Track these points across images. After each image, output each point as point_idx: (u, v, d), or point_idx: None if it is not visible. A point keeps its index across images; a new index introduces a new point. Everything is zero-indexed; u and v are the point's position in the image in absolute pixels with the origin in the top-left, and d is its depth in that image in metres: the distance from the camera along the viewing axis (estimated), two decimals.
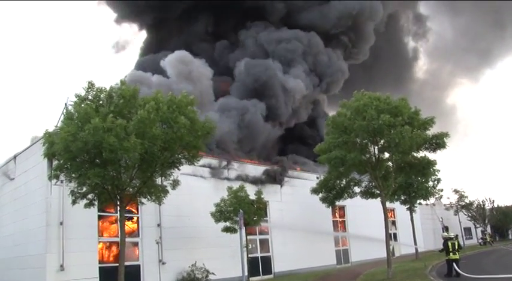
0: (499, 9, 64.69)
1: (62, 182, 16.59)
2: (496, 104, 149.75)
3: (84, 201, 16.10)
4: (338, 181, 24.66)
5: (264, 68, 41.26)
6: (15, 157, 22.83)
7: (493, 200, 63.81)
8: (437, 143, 21.69)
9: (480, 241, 57.54)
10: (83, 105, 15.09)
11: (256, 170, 28.31)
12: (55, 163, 15.91)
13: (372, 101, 20.21)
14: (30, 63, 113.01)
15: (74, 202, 15.95)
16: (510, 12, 66.13)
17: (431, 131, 21.51)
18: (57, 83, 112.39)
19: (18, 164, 22.36)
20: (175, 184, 16.96)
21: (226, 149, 32.61)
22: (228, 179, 25.81)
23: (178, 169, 17.23)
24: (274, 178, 28.92)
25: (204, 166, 24.42)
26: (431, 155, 23.03)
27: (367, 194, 25.72)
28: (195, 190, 23.48)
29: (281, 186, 29.24)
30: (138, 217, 21.66)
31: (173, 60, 38.68)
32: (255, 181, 27.05)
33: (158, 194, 16.78)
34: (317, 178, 29.58)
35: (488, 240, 55.37)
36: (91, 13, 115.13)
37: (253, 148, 38.66)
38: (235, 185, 22.91)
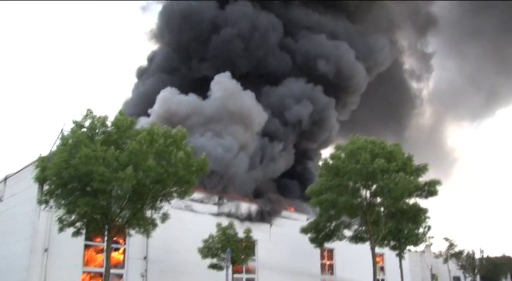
0: (504, 49, 65.86)
1: (51, 208, 16.41)
2: (496, 151, 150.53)
3: (72, 229, 15.95)
4: (328, 224, 24.55)
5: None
6: (5, 178, 22.62)
7: (483, 250, 63.31)
8: (430, 190, 21.82)
9: None
10: (78, 132, 15.21)
11: (247, 207, 28.13)
12: (46, 188, 15.81)
13: (366, 144, 20.43)
14: (37, 82, 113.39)
15: (61, 229, 15.79)
16: None
17: (424, 178, 21.66)
18: (64, 104, 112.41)
19: (8, 187, 22.14)
20: (165, 217, 16.88)
21: (224, 184, 32.35)
22: (218, 215, 25.61)
23: (169, 203, 17.16)
24: (264, 216, 28.70)
25: (195, 200, 24.25)
26: (423, 202, 23.13)
27: (357, 238, 25.56)
28: (184, 225, 23.21)
29: (270, 225, 28.99)
30: (124, 248, 21.34)
31: (222, 93, 36.88)
32: (244, 219, 26.82)
33: (147, 227, 16.67)
34: (307, 219, 29.40)
35: None
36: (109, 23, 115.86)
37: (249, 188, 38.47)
38: (225, 221, 22.73)
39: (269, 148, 39.70)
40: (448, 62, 72.11)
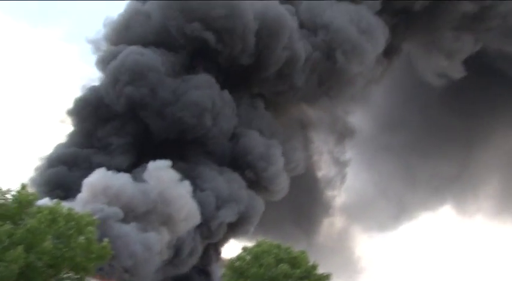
0: (412, 167, 70.59)
1: None
2: (401, 264, 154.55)
3: None
4: None
5: None
6: None
7: None
8: None
9: None
10: None
11: None
12: None
13: (272, 248, 20.68)
14: None
15: None
16: (423, 173, 71.97)
17: None
18: None
19: None
20: None
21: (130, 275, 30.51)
22: None
23: None
24: None
25: None
26: None
27: None
28: None
29: None
30: None
31: (154, 192, 33.16)
32: None
33: None
34: None
35: None
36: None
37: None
38: None
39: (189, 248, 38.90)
40: (362, 173, 76.28)
